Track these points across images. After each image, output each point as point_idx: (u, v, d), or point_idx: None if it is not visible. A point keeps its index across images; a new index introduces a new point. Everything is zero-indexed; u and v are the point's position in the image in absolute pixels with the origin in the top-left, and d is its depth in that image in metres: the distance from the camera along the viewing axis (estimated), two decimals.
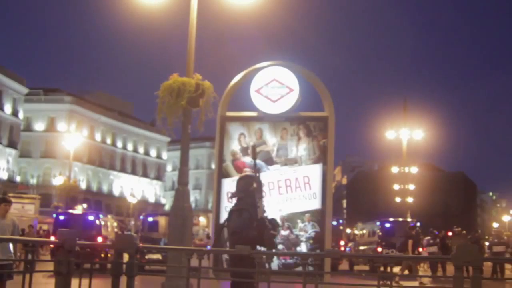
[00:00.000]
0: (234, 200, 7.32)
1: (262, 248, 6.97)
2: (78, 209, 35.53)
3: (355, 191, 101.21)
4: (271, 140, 10.15)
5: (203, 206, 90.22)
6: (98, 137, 77.06)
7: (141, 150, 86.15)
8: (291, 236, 9.76)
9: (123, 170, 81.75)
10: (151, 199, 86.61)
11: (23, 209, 37.32)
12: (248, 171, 8.19)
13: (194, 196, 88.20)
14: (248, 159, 10.10)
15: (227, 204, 9.96)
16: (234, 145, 10.29)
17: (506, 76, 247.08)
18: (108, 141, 79.50)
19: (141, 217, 29.79)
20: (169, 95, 11.28)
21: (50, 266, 6.56)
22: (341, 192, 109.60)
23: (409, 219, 31.50)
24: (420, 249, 22.18)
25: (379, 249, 24.74)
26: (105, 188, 78.22)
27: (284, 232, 9.74)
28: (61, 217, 24.32)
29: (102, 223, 24.04)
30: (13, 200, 10.73)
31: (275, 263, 9.56)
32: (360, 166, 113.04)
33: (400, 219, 29.75)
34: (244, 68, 10.59)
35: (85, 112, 74.23)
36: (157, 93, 11.52)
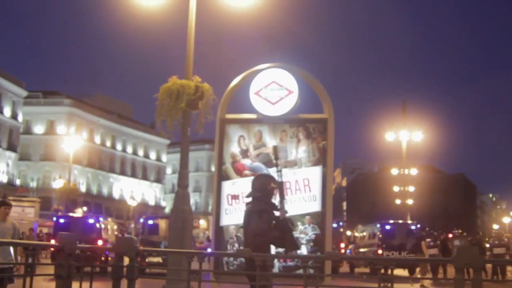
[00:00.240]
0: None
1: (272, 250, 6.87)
2: (78, 212, 35.49)
3: (355, 193, 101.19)
4: (271, 142, 10.14)
5: (203, 209, 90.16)
6: (97, 139, 77.03)
7: (140, 152, 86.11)
8: None
9: (122, 173, 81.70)
10: (151, 202, 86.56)
11: (23, 213, 37.28)
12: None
13: (194, 199, 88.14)
14: (247, 161, 10.09)
15: (227, 207, 9.95)
16: (234, 148, 10.28)
17: (506, 78, 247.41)
18: (108, 143, 79.48)
19: (141, 220, 29.74)
20: (169, 97, 11.29)
21: (51, 270, 6.55)
22: (341, 194, 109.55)
23: (409, 221, 31.49)
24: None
25: (380, 251, 24.70)
26: (105, 191, 78.17)
27: None
28: (61, 220, 24.28)
29: (102, 226, 24.00)
30: (13, 203, 10.72)
31: (276, 266, 9.55)
32: (360, 168, 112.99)
33: (401, 221, 29.71)
34: (243, 70, 10.59)
35: (85, 114, 74.24)
36: (156, 96, 11.53)
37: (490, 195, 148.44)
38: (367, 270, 27.12)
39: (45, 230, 38.27)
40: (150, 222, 25.92)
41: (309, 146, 9.98)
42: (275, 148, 8.12)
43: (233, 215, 9.92)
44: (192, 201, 71.62)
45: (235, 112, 10.74)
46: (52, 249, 17.94)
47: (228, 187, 10.05)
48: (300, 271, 6.54)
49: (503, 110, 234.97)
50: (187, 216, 11.45)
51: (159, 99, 11.46)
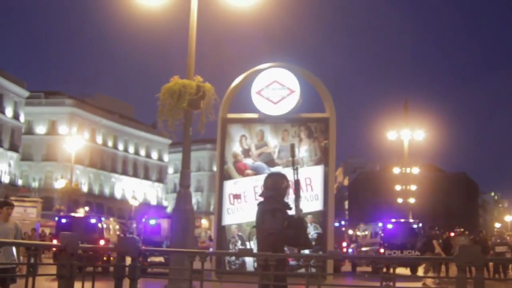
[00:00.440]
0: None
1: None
2: (80, 212, 35.51)
3: (357, 192, 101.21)
4: (273, 142, 10.14)
5: (205, 208, 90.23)
6: (99, 139, 77.08)
7: (142, 152, 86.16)
8: None
9: (124, 172, 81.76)
10: (153, 202, 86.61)
11: (25, 213, 37.31)
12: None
13: (196, 198, 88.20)
14: (249, 161, 10.09)
15: (229, 206, 9.95)
16: (236, 147, 10.28)
17: (507, 76, 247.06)
18: (110, 143, 79.54)
19: (143, 219, 29.76)
20: (170, 97, 11.30)
21: (53, 270, 6.56)
22: (343, 193, 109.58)
23: (411, 220, 31.46)
24: None
25: (382, 250, 24.69)
26: (106, 191, 78.24)
27: None
28: (63, 221, 24.32)
29: (104, 226, 24.02)
30: (15, 203, 10.74)
31: None
32: (362, 167, 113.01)
33: (403, 220, 29.72)
34: (245, 70, 10.58)
35: (86, 115, 74.29)
36: (158, 96, 11.54)
37: (492, 194, 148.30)
38: (369, 269, 27.13)
39: (47, 231, 38.32)
40: (152, 222, 25.94)
41: (311, 145, 9.97)
42: (292, 146, 8.11)
43: (235, 215, 9.93)
44: (194, 201, 71.54)
45: (237, 112, 10.73)
46: (54, 249, 17.96)
47: (230, 186, 10.05)
48: (302, 270, 6.52)
49: (505, 109, 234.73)
50: (189, 216, 11.47)
51: (160, 99, 11.47)
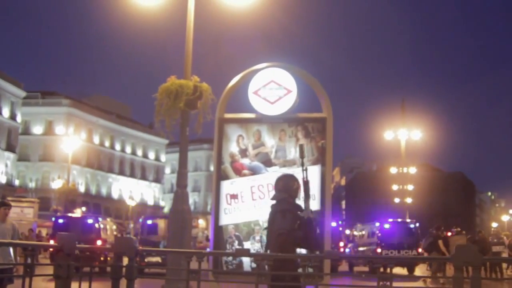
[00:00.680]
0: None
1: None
2: (77, 213, 35.46)
3: (354, 192, 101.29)
4: (270, 142, 10.14)
5: (202, 208, 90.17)
6: (96, 140, 77.01)
7: (139, 152, 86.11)
8: None
9: (121, 173, 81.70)
10: (150, 202, 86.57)
11: (22, 213, 37.27)
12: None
13: (193, 198, 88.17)
14: (246, 161, 10.09)
15: (226, 206, 9.96)
16: (233, 147, 10.28)
17: (504, 76, 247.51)
18: (107, 144, 79.47)
19: (140, 220, 29.76)
20: (167, 97, 11.31)
21: (50, 270, 6.55)
22: (340, 193, 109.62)
23: (408, 220, 31.51)
24: (420, 250, 22.11)
25: (379, 250, 24.72)
26: (103, 191, 78.17)
27: None
28: (60, 221, 24.28)
29: (101, 226, 23.98)
30: (12, 204, 10.71)
31: None
32: (359, 167, 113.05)
33: (399, 220, 29.76)
34: (242, 70, 10.58)
35: (83, 115, 74.22)
36: (155, 96, 11.54)
37: (489, 193, 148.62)
38: (366, 268, 27.17)
39: (44, 231, 38.27)
40: (149, 222, 25.93)
41: (308, 145, 9.97)
42: (301, 146, 8.09)
43: (232, 215, 9.93)
44: (191, 201, 71.60)
45: (234, 112, 10.73)
46: (51, 249, 17.94)
47: (227, 186, 10.05)
48: (299, 270, 6.52)
49: (502, 109, 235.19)
50: (186, 216, 11.47)
51: (157, 99, 11.47)
